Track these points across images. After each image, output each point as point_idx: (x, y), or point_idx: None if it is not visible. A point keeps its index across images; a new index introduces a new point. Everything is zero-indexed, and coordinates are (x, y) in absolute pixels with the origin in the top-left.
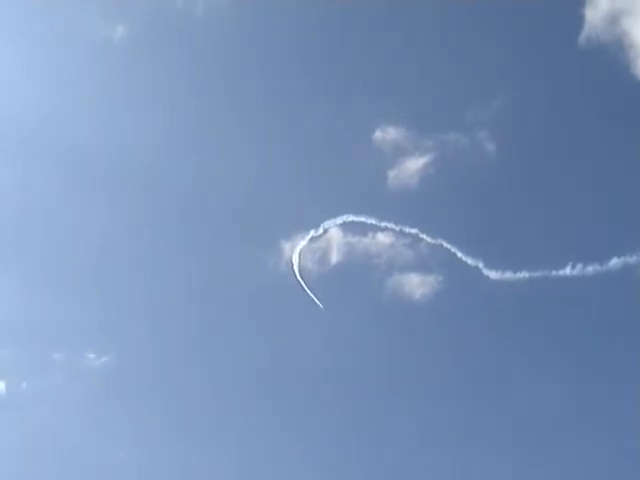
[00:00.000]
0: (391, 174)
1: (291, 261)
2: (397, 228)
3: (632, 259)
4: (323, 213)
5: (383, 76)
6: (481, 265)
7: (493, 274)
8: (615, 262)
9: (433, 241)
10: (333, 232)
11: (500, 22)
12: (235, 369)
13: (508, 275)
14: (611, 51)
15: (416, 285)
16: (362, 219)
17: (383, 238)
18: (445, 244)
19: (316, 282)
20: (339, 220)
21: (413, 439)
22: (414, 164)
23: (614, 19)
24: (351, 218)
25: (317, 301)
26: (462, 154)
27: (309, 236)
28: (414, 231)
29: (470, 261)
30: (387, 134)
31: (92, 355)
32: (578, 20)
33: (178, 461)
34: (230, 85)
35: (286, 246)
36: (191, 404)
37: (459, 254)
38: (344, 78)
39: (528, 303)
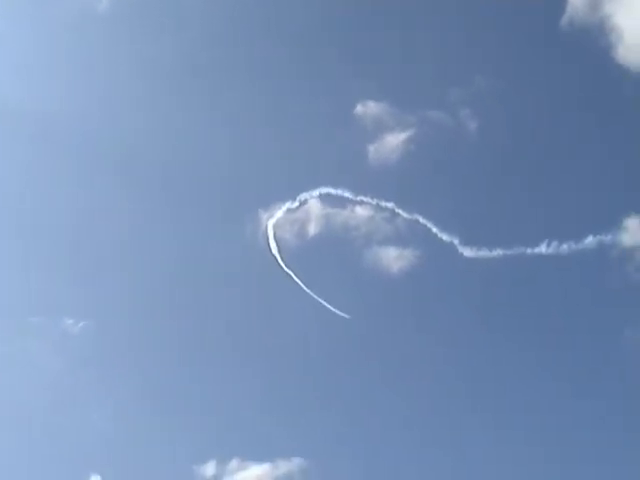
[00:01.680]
0: (372, 148)
1: (266, 234)
2: (373, 202)
3: (607, 238)
4: (303, 185)
5: (365, 50)
6: (457, 242)
7: (468, 251)
8: (590, 240)
9: (409, 216)
10: (312, 204)
11: (483, 2)
12: (213, 335)
13: (483, 252)
14: (593, 34)
15: (394, 258)
16: (338, 192)
17: (362, 211)
18: (421, 219)
19: (294, 254)
20: (315, 192)
21: (386, 412)
22: (395, 139)
23: (596, 2)
24: (326, 191)
25: (294, 276)
26: (443, 131)
27: (284, 208)
28: (390, 205)
29: (445, 237)
30: (368, 108)
31: (70, 320)
32: (560, 2)
33: (155, 428)
34: (212, 58)
35: (264, 217)
36: (170, 369)
37: (434, 230)
38: (326, 52)
39: (503, 280)
